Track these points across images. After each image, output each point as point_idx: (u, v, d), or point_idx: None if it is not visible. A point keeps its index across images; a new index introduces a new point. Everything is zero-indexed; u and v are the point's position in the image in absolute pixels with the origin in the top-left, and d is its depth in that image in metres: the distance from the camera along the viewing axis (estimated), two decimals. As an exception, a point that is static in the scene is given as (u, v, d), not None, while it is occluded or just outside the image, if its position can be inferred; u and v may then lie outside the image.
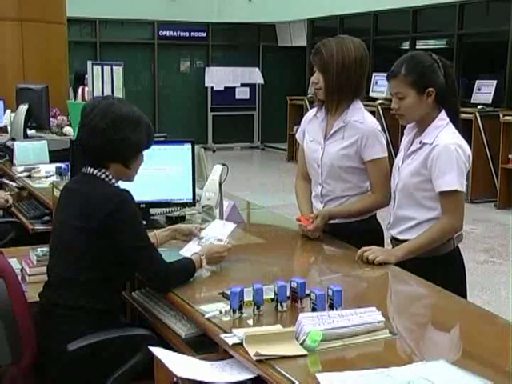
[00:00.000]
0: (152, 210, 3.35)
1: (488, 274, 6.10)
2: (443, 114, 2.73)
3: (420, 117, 2.74)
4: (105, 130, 2.44)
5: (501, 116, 8.64)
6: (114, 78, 6.01)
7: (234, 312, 2.12)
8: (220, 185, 3.11)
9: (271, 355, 1.83)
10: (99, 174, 2.49)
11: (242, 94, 14.77)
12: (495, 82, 9.17)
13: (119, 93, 5.92)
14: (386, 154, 3.00)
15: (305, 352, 1.86)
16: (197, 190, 3.34)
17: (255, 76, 14.21)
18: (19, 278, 2.61)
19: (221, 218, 3.09)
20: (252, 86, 14.71)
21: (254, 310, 2.14)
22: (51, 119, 6.29)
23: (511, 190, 8.77)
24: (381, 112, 9.79)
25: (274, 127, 14.51)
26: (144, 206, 3.23)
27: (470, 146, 2.79)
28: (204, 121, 14.77)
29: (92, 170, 2.50)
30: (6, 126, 6.63)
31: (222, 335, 1.99)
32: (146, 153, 2.61)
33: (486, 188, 8.91)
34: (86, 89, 6.28)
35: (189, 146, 3.33)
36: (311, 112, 3.21)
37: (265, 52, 15.45)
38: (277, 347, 1.85)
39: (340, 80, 2.94)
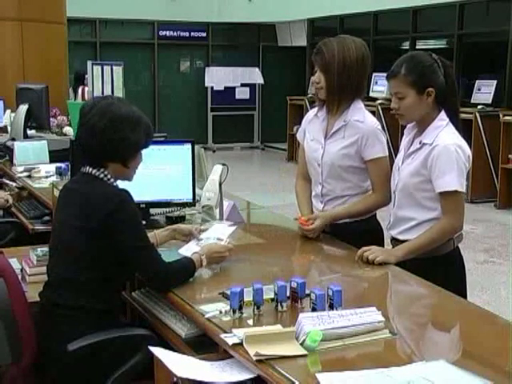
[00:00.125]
0: (152, 210, 3.35)
1: (488, 274, 6.10)
2: (443, 114, 2.73)
3: (420, 117, 2.74)
4: (104, 129, 2.44)
5: (501, 116, 8.63)
6: (113, 78, 6.01)
7: (233, 312, 2.12)
8: (220, 185, 3.11)
9: (271, 355, 1.83)
10: (98, 173, 2.49)
11: (242, 93, 14.76)
12: (495, 82, 9.16)
13: (119, 93, 5.91)
14: (387, 154, 3.01)
15: (305, 352, 1.86)
16: (197, 190, 3.34)
17: (255, 76, 14.20)
18: (19, 277, 2.61)
19: (221, 218, 3.09)
20: (252, 86, 14.70)
21: (254, 310, 2.14)
22: (51, 119, 6.29)
23: (511, 190, 8.76)
24: (381, 112, 9.78)
25: (274, 127, 14.50)
26: (144, 206, 3.23)
27: (470, 146, 2.78)
28: (204, 121, 14.76)
29: (91, 169, 2.50)
30: (5, 126, 6.63)
31: (222, 335, 1.99)
32: (146, 153, 2.61)
33: (486, 188, 8.90)
34: (86, 89, 6.28)
35: (189, 145, 3.32)
36: (312, 111, 3.21)
37: (265, 52, 15.44)
38: (277, 347, 1.85)
39: (341, 80, 2.94)
